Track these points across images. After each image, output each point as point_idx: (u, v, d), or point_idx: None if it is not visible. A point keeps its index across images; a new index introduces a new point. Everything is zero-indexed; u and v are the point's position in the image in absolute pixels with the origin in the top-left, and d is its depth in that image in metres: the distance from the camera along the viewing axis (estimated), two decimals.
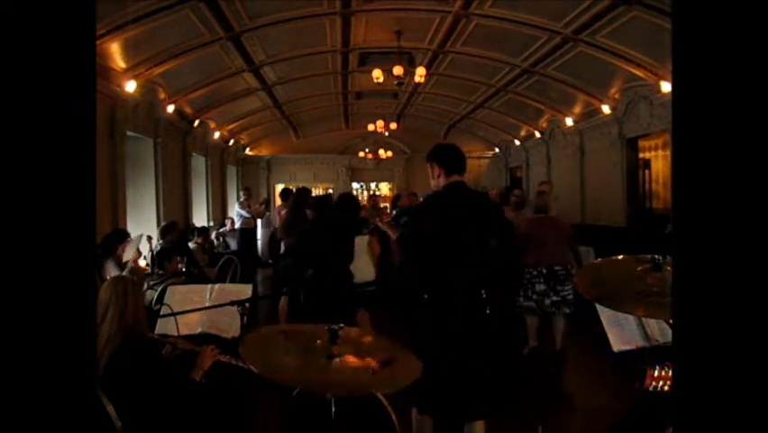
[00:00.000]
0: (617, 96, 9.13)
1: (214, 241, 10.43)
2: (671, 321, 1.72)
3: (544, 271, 5.22)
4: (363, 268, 5.14)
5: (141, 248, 5.33)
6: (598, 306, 2.36)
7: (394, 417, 2.58)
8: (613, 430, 2.98)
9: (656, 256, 1.68)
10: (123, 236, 5.29)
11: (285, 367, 1.76)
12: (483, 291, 2.77)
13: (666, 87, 7.64)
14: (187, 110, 10.11)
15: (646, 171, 10.40)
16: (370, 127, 13.20)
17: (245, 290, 3.34)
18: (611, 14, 6.55)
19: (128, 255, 4.98)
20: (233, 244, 10.80)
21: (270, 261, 9.39)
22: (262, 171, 15.98)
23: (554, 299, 5.19)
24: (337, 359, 1.73)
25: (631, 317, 2.54)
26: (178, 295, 3.41)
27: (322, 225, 4.47)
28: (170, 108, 8.98)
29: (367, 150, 15.89)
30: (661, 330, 2.50)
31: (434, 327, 2.73)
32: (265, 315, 6.27)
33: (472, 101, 12.07)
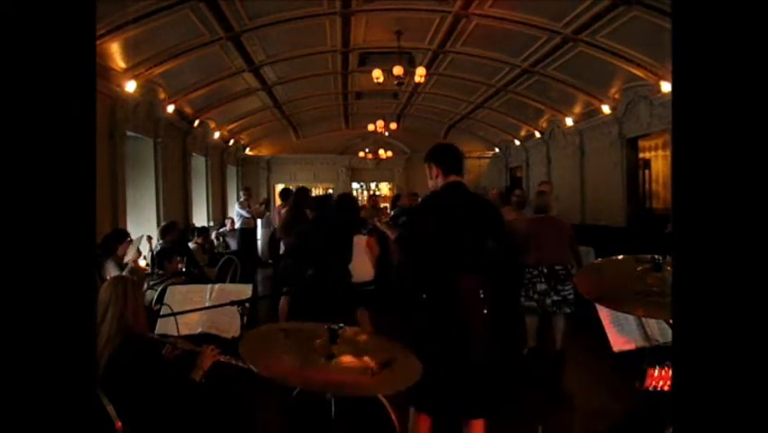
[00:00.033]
0: (617, 96, 9.13)
1: (214, 241, 10.43)
2: (671, 321, 1.72)
3: (545, 270, 5.22)
4: (362, 267, 5.14)
5: (141, 248, 5.34)
6: (598, 306, 2.36)
7: (394, 417, 2.58)
8: (613, 430, 2.98)
9: (656, 256, 1.68)
10: (123, 236, 5.29)
11: (285, 367, 1.76)
12: (481, 291, 2.78)
13: (666, 87, 7.65)
14: (187, 110, 10.11)
15: (646, 171, 10.40)
16: (370, 127, 13.20)
17: (245, 290, 3.34)
18: (611, 14, 6.55)
19: (129, 256, 4.99)
20: (233, 244, 10.80)
21: (270, 261, 9.39)
22: (262, 171, 15.98)
23: (555, 298, 5.19)
24: (337, 359, 1.73)
25: (631, 317, 2.54)
26: (178, 295, 3.41)
27: (322, 225, 4.48)
28: (170, 108, 8.98)
29: (367, 150, 15.89)
30: (661, 330, 2.50)
31: (433, 327, 2.73)
32: (265, 315, 6.27)
33: (472, 101, 12.07)
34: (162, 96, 8.56)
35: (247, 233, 11.08)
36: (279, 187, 11.18)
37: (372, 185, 16.88)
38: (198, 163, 11.55)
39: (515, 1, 6.80)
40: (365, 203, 11.66)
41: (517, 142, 14.36)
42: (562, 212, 7.62)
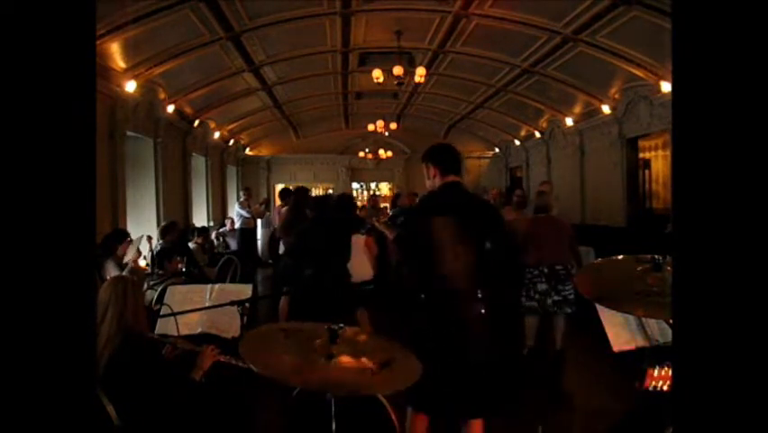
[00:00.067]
0: (617, 96, 9.13)
1: (214, 241, 10.43)
2: (671, 321, 1.72)
3: (546, 270, 5.22)
4: (361, 267, 5.15)
5: (141, 248, 5.34)
6: (598, 306, 2.36)
7: (394, 417, 2.58)
8: (613, 430, 2.98)
9: (656, 256, 1.68)
10: (123, 236, 5.29)
11: (285, 366, 1.76)
12: (479, 291, 2.78)
13: (666, 87, 7.65)
14: (187, 110, 10.11)
15: (646, 171, 10.40)
16: (370, 127, 13.20)
17: (245, 290, 3.34)
18: (611, 14, 6.55)
19: (129, 256, 4.99)
20: (233, 244, 10.80)
21: (270, 261, 9.39)
22: (262, 171, 15.98)
23: (556, 298, 5.19)
24: (337, 359, 1.73)
25: (631, 317, 2.54)
26: (178, 295, 3.41)
27: (321, 225, 4.48)
28: (170, 108, 8.98)
29: (367, 150, 15.89)
30: (661, 330, 2.50)
31: (432, 327, 2.73)
32: (265, 315, 6.27)
33: (472, 101, 12.07)
34: (162, 96, 8.56)
35: (247, 233, 11.08)
36: (279, 187, 11.18)
37: (372, 185, 16.88)
38: (198, 163, 11.55)
39: (515, 1, 6.80)
40: (365, 203, 11.65)
41: (517, 142, 14.36)
42: (562, 212, 7.62)
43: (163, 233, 6.27)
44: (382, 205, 12.05)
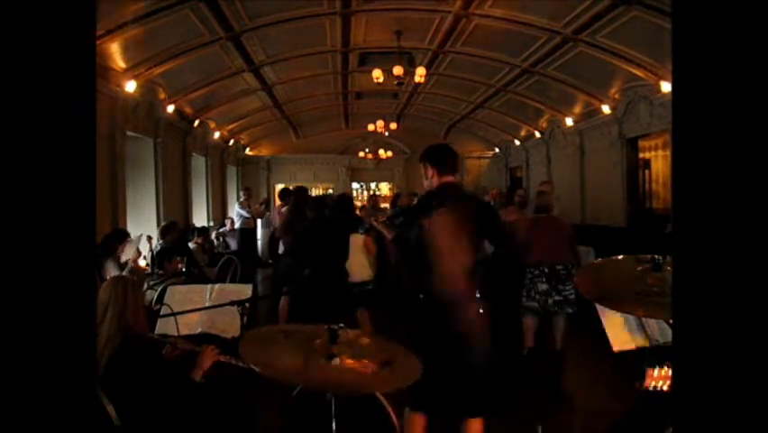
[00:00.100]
0: (617, 96, 9.13)
1: (214, 241, 10.43)
2: (671, 321, 1.72)
3: (546, 270, 5.22)
4: (360, 267, 5.15)
5: (141, 248, 5.34)
6: (598, 306, 2.36)
7: (394, 417, 2.58)
8: (613, 430, 2.98)
9: (656, 256, 1.68)
10: (123, 236, 5.29)
11: (285, 366, 1.76)
12: (477, 291, 2.79)
13: (666, 87, 7.64)
14: (187, 110, 10.11)
15: (646, 171, 10.40)
16: (370, 127, 13.20)
17: (245, 290, 3.34)
18: (611, 14, 6.55)
19: (127, 255, 4.98)
20: (233, 244, 10.80)
21: (270, 261, 9.39)
22: (262, 171, 15.98)
23: (557, 298, 5.19)
24: (337, 359, 1.73)
25: (631, 317, 2.54)
26: (178, 295, 3.41)
27: (321, 224, 4.49)
28: (170, 108, 8.98)
29: (367, 150, 15.89)
30: (661, 330, 2.50)
31: (430, 327, 2.74)
32: (265, 315, 6.27)
33: (472, 101, 12.07)
34: (162, 96, 8.56)
35: (247, 233, 11.08)
36: (279, 187, 11.19)
37: (372, 185, 16.88)
38: (198, 163, 11.55)
39: (515, 1, 6.80)
40: (365, 203, 11.65)
41: (517, 142, 14.35)
42: (562, 212, 7.62)
43: (163, 233, 6.27)
44: (382, 205, 12.04)
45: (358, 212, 7.86)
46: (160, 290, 4.19)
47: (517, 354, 5.32)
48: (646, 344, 2.49)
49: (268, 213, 12.21)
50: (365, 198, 15.23)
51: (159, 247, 5.78)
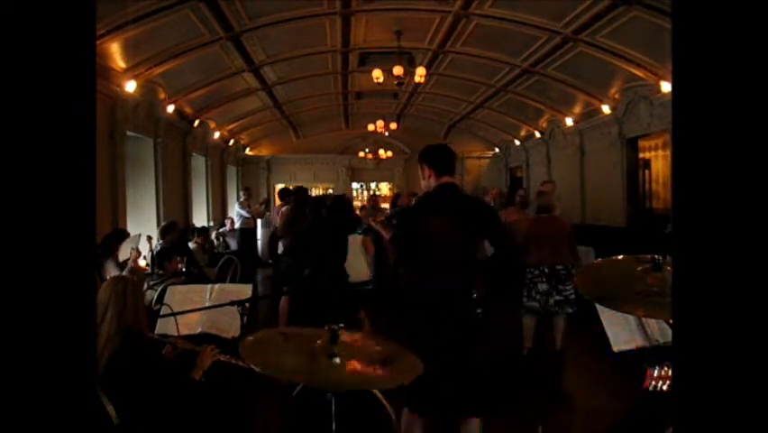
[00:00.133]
0: (617, 96, 9.13)
1: (214, 241, 10.43)
2: (671, 321, 1.72)
3: (546, 270, 5.22)
4: (358, 267, 5.16)
5: (141, 248, 5.34)
6: (598, 306, 2.36)
7: (394, 417, 2.58)
8: (613, 430, 2.98)
9: (656, 256, 1.68)
10: (123, 236, 5.29)
11: (285, 366, 1.76)
12: (474, 292, 2.80)
13: (666, 87, 7.64)
14: (187, 110, 10.11)
15: (646, 171, 10.40)
16: (370, 127, 13.20)
17: (245, 290, 3.34)
18: (611, 14, 6.55)
19: (124, 254, 4.97)
20: (233, 244, 10.80)
21: (270, 261, 9.40)
22: (262, 171, 15.98)
23: (558, 298, 5.19)
24: (337, 358, 1.73)
25: (631, 317, 2.54)
26: (178, 295, 3.41)
27: (321, 224, 4.50)
28: (170, 108, 8.98)
29: (367, 150, 15.89)
30: (661, 330, 2.50)
31: (429, 327, 2.74)
32: (265, 315, 6.27)
33: (472, 101, 12.07)
34: (162, 96, 8.56)
35: (247, 233, 11.08)
36: (279, 187, 11.19)
37: (372, 185, 16.87)
38: (198, 163, 11.55)
39: (515, 1, 6.80)
40: (365, 203, 11.64)
41: (517, 142, 14.35)
42: (562, 212, 7.63)
43: (163, 233, 6.27)
44: (382, 205, 12.05)
45: (358, 212, 7.87)
46: (160, 290, 4.19)
47: (517, 354, 5.32)
48: (646, 344, 2.49)
49: (268, 213, 12.21)
50: (365, 198, 15.23)
51: (159, 247, 5.79)
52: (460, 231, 2.82)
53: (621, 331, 2.55)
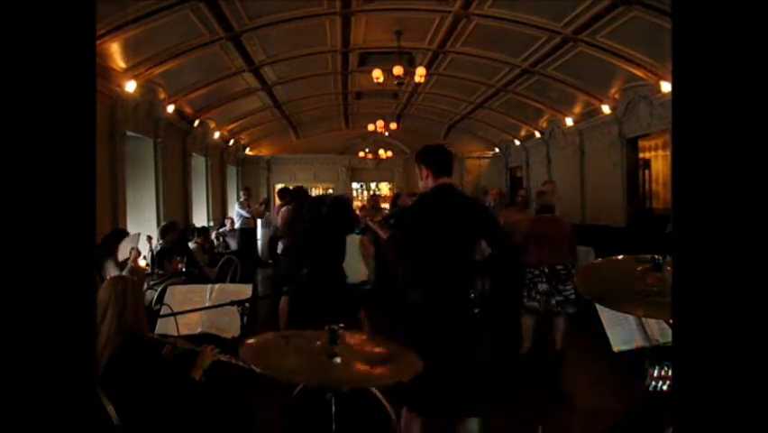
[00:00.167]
0: (617, 96, 9.13)
1: (214, 241, 10.43)
2: (671, 321, 1.72)
3: (546, 270, 5.22)
4: (356, 268, 5.16)
5: (141, 248, 5.33)
6: (598, 306, 2.36)
7: (393, 417, 2.58)
8: (613, 430, 2.98)
9: (656, 256, 1.68)
10: (123, 236, 5.28)
11: (285, 366, 1.77)
12: (471, 292, 2.80)
13: (666, 87, 7.64)
14: (187, 110, 10.10)
15: (646, 171, 10.40)
16: (370, 127, 13.20)
17: (245, 290, 3.34)
18: (611, 14, 6.55)
19: (123, 254, 4.97)
20: (233, 244, 10.80)
21: (270, 261, 9.40)
22: (262, 171, 15.98)
23: (559, 298, 5.18)
24: (338, 358, 1.73)
25: (631, 317, 2.54)
26: (178, 295, 3.41)
27: (320, 224, 4.51)
28: (170, 108, 8.98)
29: (367, 150, 15.89)
30: (661, 330, 2.50)
31: (428, 327, 2.74)
32: (265, 315, 6.26)
33: (472, 101, 12.07)
34: (162, 96, 8.56)
35: (247, 233, 11.08)
36: (279, 187, 11.20)
37: (372, 185, 16.87)
38: (198, 163, 11.55)
39: (515, 1, 6.80)
40: (365, 203, 11.64)
41: (517, 142, 14.35)
42: (562, 212, 7.63)
43: (163, 233, 6.27)
44: (382, 205, 12.04)
45: (358, 212, 7.87)
46: (160, 290, 4.19)
47: (516, 354, 5.31)
48: (646, 344, 2.49)
49: (268, 213, 12.21)
50: (365, 198, 15.23)
51: (159, 247, 5.78)
52: (457, 231, 2.83)
53: (621, 331, 2.55)
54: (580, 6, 6.56)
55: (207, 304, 3.28)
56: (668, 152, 9.87)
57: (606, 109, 9.54)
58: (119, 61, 6.99)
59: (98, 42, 6.06)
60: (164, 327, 3.07)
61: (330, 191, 15.15)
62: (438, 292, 2.79)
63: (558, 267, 5.22)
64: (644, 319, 2.52)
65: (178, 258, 5.05)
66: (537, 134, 12.90)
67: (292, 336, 1.99)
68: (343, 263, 4.55)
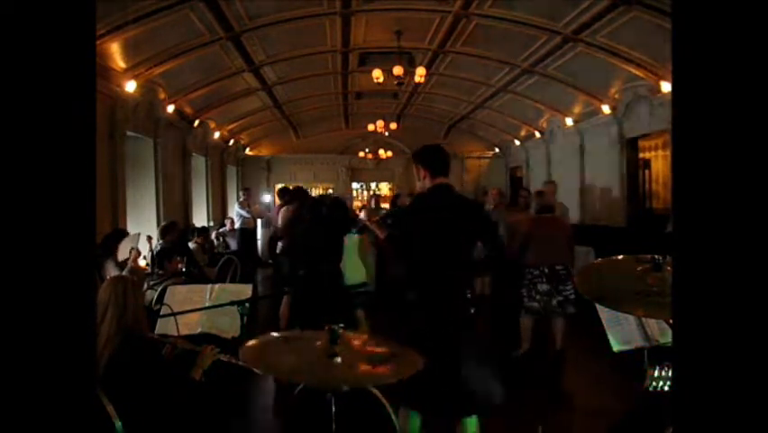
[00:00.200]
0: (617, 96, 9.13)
1: (214, 241, 10.43)
2: (671, 321, 1.72)
3: (546, 270, 5.21)
4: (355, 270, 5.16)
5: (141, 248, 5.34)
6: (598, 306, 2.36)
7: (393, 417, 2.58)
8: (613, 430, 2.98)
9: (656, 256, 1.68)
10: (122, 236, 5.28)
11: (285, 366, 1.77)
12: (468, 292, 2.81)
13: (666, 87, 7.64)
14: (187, 110, 10.10)
15: (646, 171, 10.40)
16: (370, 127, 13.20)
17: (245, 290, 3.34)
18: (611, 14, 6.55)
19: (123, 254, 4.97)
20: (233, 244, 10.80)
21: (270, 261, 9.40)
22: (262, 171, 15.98)
23: (560, 299, 5.18)
24: (338, 358, 1.73)
25: (631, 317, 2.54)
26: (178, 295, 3.41)
27: (319, 223, 4.52)
28: (170, 108, 8.98)
29: (367, 150, 15.89)
30: (661, 330, 2.50)
31: (427, 326, 2.75)
32: (265, 315, 6.27)
33: (472, 101, 12.07)
34: (162, 96, 8.56)
35: (247, 233, 11.09)
36: (279, 186, 11.21)
37: (372, 185, 16.87)
38: (198, 163, 11.55)
39: (515, 1, 6.80)
40: (365, 203, 11.63)
41: (517, 142, 14.35)
42: (562, 212, 7.62)
43: (163, 233, 6.27)
44: (383, 205, 12.04)
45: (358, 212, 7.88)
46: (160, 290, 4.19)
47: (514, 355, 5.29)
48: (646, 344, 2.49)
49: (268, 213, 12.21)
50: (365, 198, 15.22)
51: (159, 247, 5.78)
52: (454, 231, 2.84)
53: (621, 331, 2.56)
54: (580, 6, 6.56)
55: (207, 304, 3.28)
56: (668, 152, 9.87)
57: (606, 109, 9.54)
58: (119, 61, 6.99)
59: (98, 42, 6.06)
60: (164, 327, 3.08)
61: (330, 191, 15.15)
62: (435, 292, 2.80)
63: (558, 267, 5.22)
64: (644, 319, 2.52)
65: (178, 258, 5.05)
66: (537, 134, 12.90)
67: (292, 336, 1.99)
68: (341, 265, 4.56)
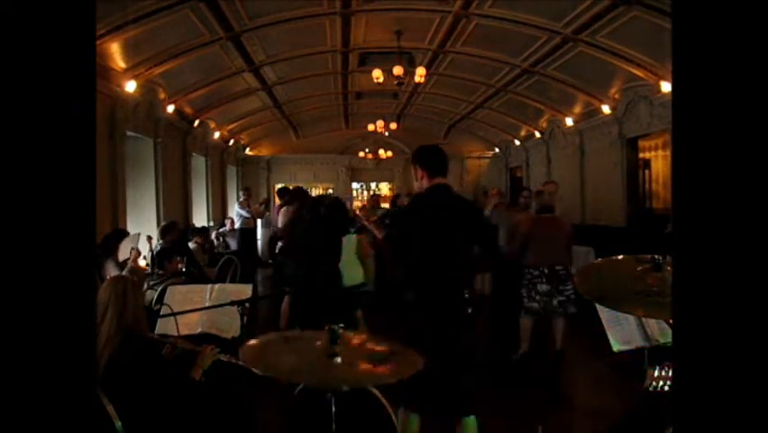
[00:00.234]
0: (617, 96, 9.13)
1: (214, 241, 10.43)
2: (671, 321, 1.72)
3: (546, 270, 5.21)
4: (354, 270, 5.16)
5: (141, 248, 5.33)
6: (598, 306, 2.36)
7: (393, 417, 2.58)
8: (613, 430, 2.98)
9: (656, 256, 1.68)
10: (123, 236, 5.28)
11: (285, 366, 1.77)
12: (466, 292, 2.81)
13: (666, 87, 7.64)
14: (187, 110, 10.10)
15: (646, 171, 10.40)
16: (370, 127, 13.20)
17: (245, 290, 3.34)
18: (611, 14, 6.55)
19: (123, 254, 4.97)
20: (233, 244, 10.81)
21: (270, 261, 9.40)
22: (262, 171, 15.98)
23: (560, 299, 5.17)
24: (338, 358, 1.73)
25: (631, 317, 2.54)
26: (178, 295, 3.41)
27: (319, 224, 4.53)
28: (170, 108, 8.98)
29: (367, 150, 15.89)
30: (661, 330, 2.50)
31: (428, 327, 2.75)
32: (265, 315, 6.27)
33: (472, 101, 12.07)
34: (162, 96, 8.56)
35: (247, 233, 11.09)
36: (279, 186, 11.22)
37: (372, 185, 16.88)
38: (198, 163, 11.55)
39: (515, 1, 6.80)
40: (365, 203, 11.63)
41: (517, 142, 14.35)
42: (562, 212, 7.62)
43: (163, 233, 6.27)
44: (383, 204, 12.04)
45: (358, 212, 7.87)
46: (160, 290, 4.19)
47: (514, 358, 5.27)
48: (646, 344, 2.49)
49: (268, 213, 12.21)
50: (365, 198, 15.22)
51: (159, 247, 5.78)
52: (452, 231, 2.85)
53: (621, 331, 2.56)
54: (580, 6, 6.56)
55: (207, 304, 3.28)
56: (668, 152, 9.87)
57: (606, 109, 9.54)
58: (119, 61, 6.99)
59: (98, 42, 6.06)
60: (164, 327, 3.07)
61: (330, 191, 15.15)
62: (433, 292, 2.80)
63: (557, 267, 5.22)
64: (644, 319, 2.52)
65: (178, 258, 5.04)
66: (537, 134, 12.90)
67: (292, 336, 1.99)
68: (340, 265, 4.56)
